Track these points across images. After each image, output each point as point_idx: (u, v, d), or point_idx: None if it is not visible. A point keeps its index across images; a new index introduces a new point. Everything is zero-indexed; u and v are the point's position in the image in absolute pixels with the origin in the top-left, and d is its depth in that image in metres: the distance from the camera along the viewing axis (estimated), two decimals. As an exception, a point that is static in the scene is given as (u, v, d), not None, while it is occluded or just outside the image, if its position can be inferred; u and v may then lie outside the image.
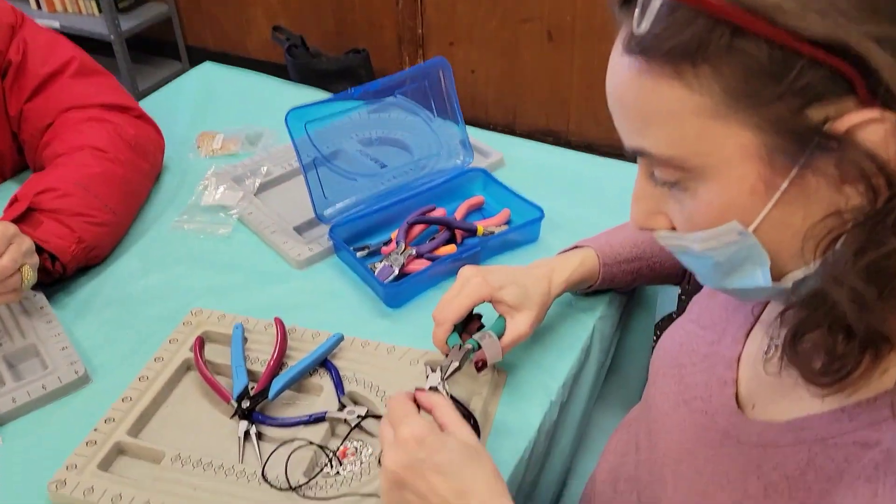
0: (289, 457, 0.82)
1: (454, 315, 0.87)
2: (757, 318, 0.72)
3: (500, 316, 0.90)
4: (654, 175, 0.58)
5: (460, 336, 0.87)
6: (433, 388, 0.79)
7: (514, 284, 0.89)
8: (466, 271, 0.90)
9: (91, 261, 1.09)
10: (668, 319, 1.04)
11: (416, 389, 0.76)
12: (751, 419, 0.66)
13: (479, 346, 0.85)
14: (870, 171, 0.48)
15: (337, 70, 2.99)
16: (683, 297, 1.09)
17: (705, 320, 0.79)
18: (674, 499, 0.72)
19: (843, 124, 0.47)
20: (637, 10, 0.51)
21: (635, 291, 1.10)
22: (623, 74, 0.54)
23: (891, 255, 0.49)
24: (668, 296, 1.23)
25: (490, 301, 0.88)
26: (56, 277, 1.05)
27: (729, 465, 0.66)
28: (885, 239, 0.49)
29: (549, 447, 0.92)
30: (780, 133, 0.50)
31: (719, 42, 0.48)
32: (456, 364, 0.81)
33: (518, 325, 0.89)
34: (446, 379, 0.80)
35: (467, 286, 0.87)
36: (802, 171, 0.50)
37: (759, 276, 0.57)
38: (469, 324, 0.88)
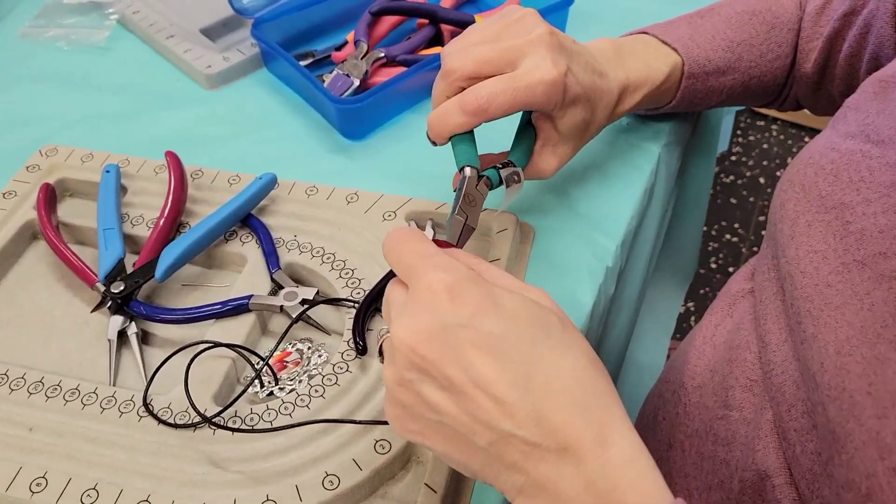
0: (188, 369, 0.49)
1: (497, 107, 0.50)
2: None
3: (525, 137, 0.56)
4: None
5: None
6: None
7: (587, 103, 0.54)
8: (531, 26, 0.52)
9: None
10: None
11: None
12: None
13: (501, 183, 0.52)
14: None
15: None
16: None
17: (883, 130, 0.46)
18: (884, 427, 0.41)
19: None
20: None
21: (702, 112, 0.76)
22: None
23: None
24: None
25: (539, 110, 0.54)
26: None
27: None
28: None
29: (601, 337, 0.61)
30: None
31: None
32: (467, 230, 0.48)
33: (548, 161, 0.56)
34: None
35: (536, 75, 0.50)
36: None
37: None
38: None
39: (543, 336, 0.36)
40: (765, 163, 1.97)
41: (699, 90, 0.62)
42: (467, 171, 0.49)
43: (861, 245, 0.44)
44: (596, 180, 0.62)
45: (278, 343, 0.52)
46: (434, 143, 0.53)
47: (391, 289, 0.40)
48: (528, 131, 0.55)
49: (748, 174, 1.95)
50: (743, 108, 1.59)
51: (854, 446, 0.42)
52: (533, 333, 0.36)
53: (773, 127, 2.06)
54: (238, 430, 0.47)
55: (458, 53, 0.51)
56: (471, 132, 0.51)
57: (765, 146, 2.02)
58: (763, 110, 2.06)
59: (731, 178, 1.94)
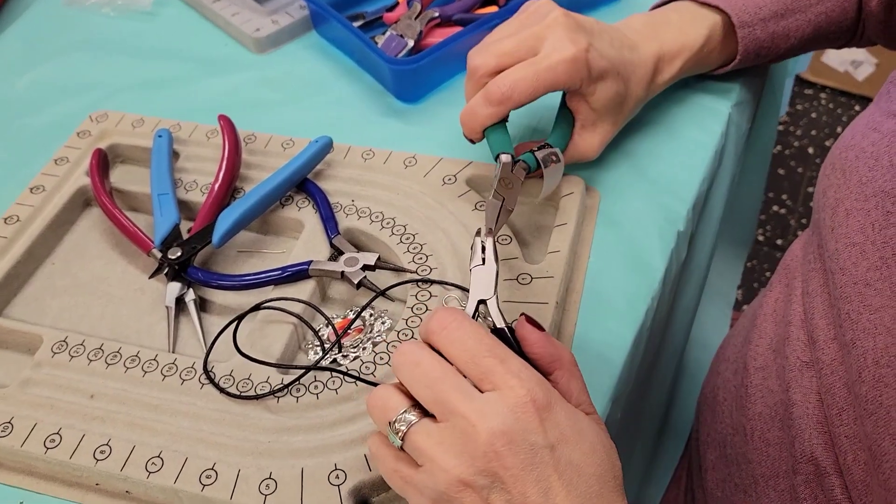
0: (234, 331, 0.48)
1: (520, 95, 0.50)
2: None
3: (562, 119, 0.55)
4: None
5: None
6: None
7: (615, 78, 0.53)
8: (546, 12, 0.53)
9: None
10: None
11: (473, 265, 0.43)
12: None
13: (538, 168, 0.50)
14: None
15: None
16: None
17: None
18: None
19: None
20: None
21: (770, 68, 0.73)
22: None
23: None
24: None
25: (566, 90, 0.52)
26: None
27: None
28: None
29: (672, 305, 0.59)
30: None
31: None
32: (504, 212, 0.46)
33: (589, 140, 0.55)
34: (495, 234, 0.44)
35: (555, 57, 0.50)
36: None
37: None
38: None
39: (610, 477, 0.36)
40: (813, 132, 1.91)
41: (761, 39, 0.59)
42: (503, 157, 0.50)
43: None
44: (665, 142, 0.60)
45: (358, 316, 0.50)
46: (471, 141, 0.53)
47: (463, 366, 0.37)
48: (565, 114, 0.55)
49: (796, 144, 1.89)
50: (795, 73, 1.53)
51: (890, 467, 0.40)
52: (603, 472, 0.35)
53: (822, 95, 2.00)
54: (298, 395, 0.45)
55: (481, 52, 0.52)
56: (503, 122, 0.52)
57: (813, 115, 1.96)
58: (811, 77, 1.99)
59: (779, 147, 1.88)
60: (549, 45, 0.50)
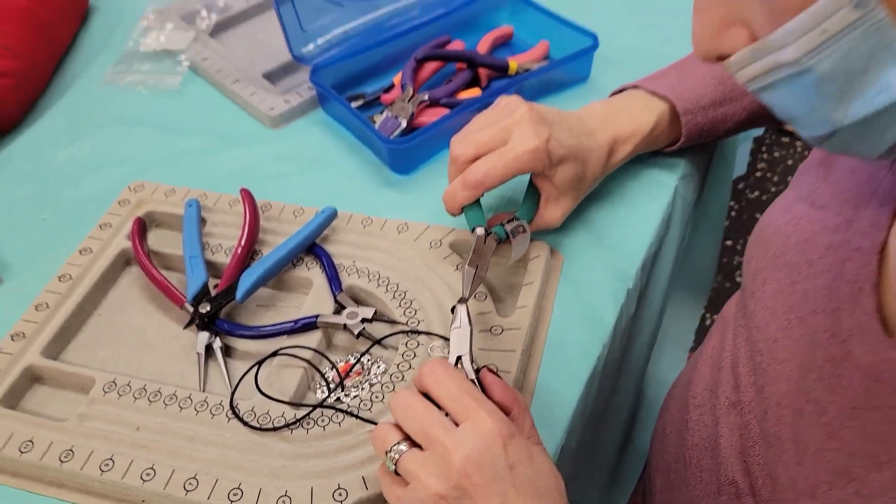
0: (255, 374, 0.58)
1: (491, 180, 0.61)
2: None
3: (530, 195, 0.66)
4: None
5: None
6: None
7: (574, 161, 0.64)
8: (513, 108, 0.63)
9: (-3, 125, 0.82)
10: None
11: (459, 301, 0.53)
12: None
13: (508, 238, 0.61)
14: None
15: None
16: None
17: (824, 197, 0.53)
18: (798, 474, 0.49)
19: None
20: None
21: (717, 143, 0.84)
22: None
23: None
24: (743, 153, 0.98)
25: (532, 173, 0.63)
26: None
27: (878, 424, 0.43)
28: None
29: (624, 352, 0.69)
30: None
31: None
32: (477, 279, 0.57)
33: (552, 213, 0.66)
34: (468, 300, 0.55)
35: (521, 148, 0.61)
36: None
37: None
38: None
39: (555, 489, 0.46)
40: (789, 178, 2.02)
41: (702, 123, 0.70)
42: (477, 230, 0.61)
43: (803, 303, 0.51)
44: (619, 211, 0.70)
45: (357, 360, 0.61)
46: (452, 215, 0.64)
47: (446, 403, 0.47)
48: (532, 191, 0.66)
49: (773, 189, 2.00)
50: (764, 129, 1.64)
51: (782, 488, 0.50)
52: (549, 486, 0.45)
53: (798, 143, 2.12)
54: (310, 426, 0.55)
55: (461, 141, 0.62)
56: (478, 201, 0.63)
57: (789, 162, 2.07)
58: (788, 126, 2.11)
59: (756, 193, 2.00)
60: (516, 137, 0.61)
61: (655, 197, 0.71)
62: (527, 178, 0.67)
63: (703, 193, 0.84)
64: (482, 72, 0.83)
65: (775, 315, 0.53)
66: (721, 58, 0.41)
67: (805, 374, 0.49)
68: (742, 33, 0.40)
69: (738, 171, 1.03)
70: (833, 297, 0.48)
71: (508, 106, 0.64)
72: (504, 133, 0.61)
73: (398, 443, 0.46)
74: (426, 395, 0.48)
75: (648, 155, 0.74)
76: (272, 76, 0.88)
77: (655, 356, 0.83)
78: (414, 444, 0.46)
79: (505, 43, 0.90)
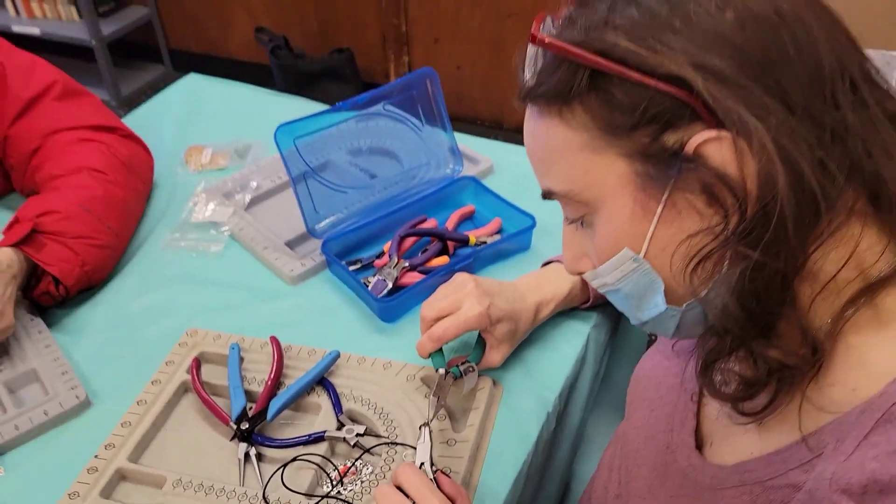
0: (281, 474, 0.83)
1: (448, 336, 0.87)
2: None
3: (478, 344, 0.92)
4: (567, 217, 0.64)
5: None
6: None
7: (509, 320, 0.90)
8: (464, 284, 0.90)
9: (93, 283, 1.09)
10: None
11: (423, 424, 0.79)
12: (707, 460, 0.67)
13: (461, 376, 0.87)
14: (718, 188, 0.51)
15: (322, 70, 2.98)
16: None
17: (669, 351, 0.79)
18: None
19: (690, 146, 0.51)
20: (524, 64, 0.58)
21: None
22: (527, 123, 0.60)
23: (755, 270, 0.51)
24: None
25: (479, 329, 0.90)
26: (58, 300, 1.05)
27: None
28: (745, 253, 0.51)
29: (547, 458, 0.93)
30: (646, 160, 0.53)
31: (581, 83, 0.53)
32: (439, 406, 0.83)
33: (494, 357, 0.92)
34: (430, 422, 0.80)
35: (469, 313, 0.87)
36: (673, 195, 0.54)
37: (660, 302, 0.60)
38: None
39: None
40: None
41: None
42: (440, 370, 0.86)
43: (655, 425, 0.76)
44: (543, 353, 0.96)
45: (352, 464, 0.86)
46: (423, 358, 0.90)
47: (412, 494, 0.70)
48: (480, 341, 0.92)
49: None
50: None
51: None
52: None
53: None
54: (320, 513, 0.80)
55: (428, 307, 0.89)
56: (440, 349, 0.89)
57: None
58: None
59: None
60: (466, 305, 0.88)
61: (572, 342, 0.98)
62: (476, 332, 0.93)
63: (619, 334, 1.11)
64: (450, 243, 1.12)
65: (639, 433, 0.79)
66: (580, 273, 0.69)
67: (650, 473, 0.74)
68: (588, 262, 0.67)
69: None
70: (670, 421, 0.74)
71: (462, 282, 0.91)
72: (457, 303, 0.88)
73: None
74: (399, 488, 0.73)
75: (569, 310, 1.01)
76: (292, 244, 1.16)
77: (583, 459, 1.08)
78: None
79: (469, 217, 1.19)
